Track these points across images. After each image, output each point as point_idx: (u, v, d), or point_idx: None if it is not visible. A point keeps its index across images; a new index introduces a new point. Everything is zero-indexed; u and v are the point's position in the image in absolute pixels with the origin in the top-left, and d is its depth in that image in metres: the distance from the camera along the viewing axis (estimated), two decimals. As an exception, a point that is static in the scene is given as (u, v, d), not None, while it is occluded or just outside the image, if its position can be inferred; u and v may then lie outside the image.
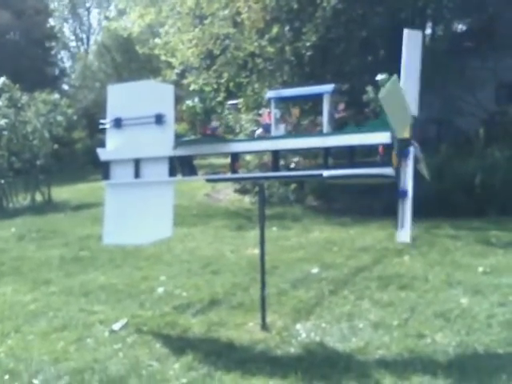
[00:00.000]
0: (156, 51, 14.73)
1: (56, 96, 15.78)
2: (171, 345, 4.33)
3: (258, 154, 8.56)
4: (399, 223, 4.25)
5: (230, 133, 12.38)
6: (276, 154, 4.48)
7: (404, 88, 4.00)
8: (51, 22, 34.67)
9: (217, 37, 13.39)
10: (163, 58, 14.57)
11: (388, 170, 4.06)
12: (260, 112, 5.60)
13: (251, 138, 7.17)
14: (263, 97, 10.42)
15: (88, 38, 41.22)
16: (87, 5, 41.23)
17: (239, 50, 13.15)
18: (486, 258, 6.49)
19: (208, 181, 5.24)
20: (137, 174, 4.74)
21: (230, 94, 13.88)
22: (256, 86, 13.10)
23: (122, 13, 19.74)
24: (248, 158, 10.75)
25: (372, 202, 9.68)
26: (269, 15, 12.62)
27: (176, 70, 14.77)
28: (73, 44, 41.76)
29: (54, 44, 34.45)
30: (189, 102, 4.72)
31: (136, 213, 4.72)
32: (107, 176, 4.87)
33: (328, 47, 12.22)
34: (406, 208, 4.24)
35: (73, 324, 4.91)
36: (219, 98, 12.73)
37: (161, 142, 4.61)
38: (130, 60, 29.79)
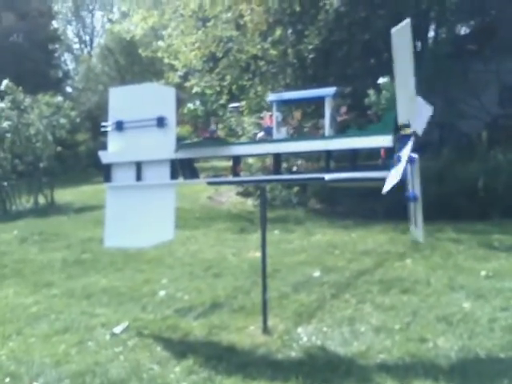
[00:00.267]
0: (159, 54, 14.75)
1: (59, 98, 15.79)
2: (172, 348, 4.33)
3: (260, 156, 8.57)
4: (412, 225, 4.50)
5: (233, 136, 12.37)
6: (278, 157, 4.47)
7: (398, 86, 3.95)
8: (55, 24, 34.76)
9: (220, 39, 13.40)
10: (166, 60, 14.59)
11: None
12: (262, 115, 5.61)
13: (253, 140, 7.17)
14: (266, 100, 10.44)
15: (91, 41, 41.41)
16: (90, 7, 41.37)
17: (242, 53, 13.16)
18: (488, 261, 6.46)
19: (209, 184, 5.23)
20: (138, 177, 4.74)
21: (233, 97, 13.88)
22: (259, 88, 13.11)
23: (125, 15, 19.77)
24: (251, 160, 10.75)
25: (374, 206, 9.65)
26: (271, 18, 12.63)
27: (179, 73, 14.80)
28: (76, 46, 41.95)
29: (57, 46, 34.48)
30: (190, 105, 4.72)
31: (137, 216, 4.72)
32: (109, 179, 4.87)
33: (331, 50, 12.21)
34: (418, 211, 4.40)
35: (74, 327, 4.92)
36: (222, 101, 12.73)
37: (162, 145, 4.62)
38: (133, 63, 29.84)
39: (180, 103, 4.88)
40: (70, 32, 41.36)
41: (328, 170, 4.30)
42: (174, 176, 4.66)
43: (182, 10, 13.72)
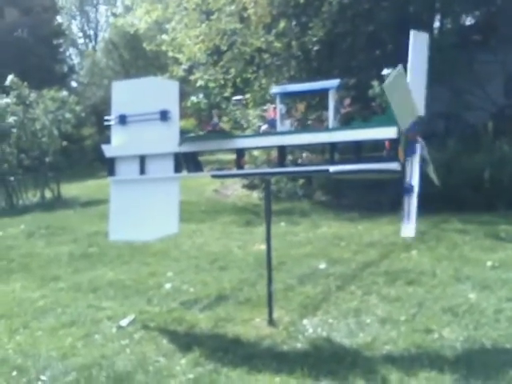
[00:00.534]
0: (163, 47, 14.72)
1: (64, 93, 15.82)
2: (178, 341, 4.35)
3: (265, 149, 8.55)
4: (405, 218, 4.24)
5: (238, 128, 12.36)
6: (282, 150, 4.47)
7: (411, 89, 3.98)
8: (59, 19, 34.64)
9: (223, 32, 13.34)
10: (170, 54, 14.54)
11: (394, 165, 4.05)
12: (265, 108, 5.60)
13: (256, 133, 7.16)
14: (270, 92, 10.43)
15: (96, 35, 41.28)
16: (94, 1, 41.28)
17: (246, 46, 13.10)
18: (494, 252, 6.44)
19: (214, 177, 5.24)
20: (142, 171, 4.75)
21: (237, 90, 13.85)
22: (263, 81, 13.06)
23: (128, 9, 19.73)
24: (256, 153, 10.74)
25: (379, 197, 9.64)
26: (275, 10, 12.56)
27: (183, 67, 14.75)
28: (81, 41, 41.85)
29: (61, 41, 34.43)
30: (193, 98, 4.71)
31: (141, 209, 4.73)
32: (112, 172, 4.89)
33: (335, 42, 12.16)
34: (412, 203, 4.22)
35: (81, 320, 4.94)
36: (226, 94, 12.71)
37: (166, 139, 4.62)
38: (138, 57, 29.74)
39: (184, 97, 4.88)
40: (75, 27, 41.23)
41: (332, 162, 4.29)
42: (177, 169, 4.66)
43: (186, 3, 13.66)
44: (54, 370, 3.92)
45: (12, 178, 14.17)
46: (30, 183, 14.66)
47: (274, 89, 4.67)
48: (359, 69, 11.28)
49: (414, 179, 4.25)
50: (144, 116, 4.69)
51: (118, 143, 4.86)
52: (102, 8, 44.49)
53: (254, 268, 6.29)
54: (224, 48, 13.59)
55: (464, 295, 4.98)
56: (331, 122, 4.29)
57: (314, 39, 11.78)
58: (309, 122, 4.84)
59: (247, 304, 5.15)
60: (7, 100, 14.13)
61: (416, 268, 5.95)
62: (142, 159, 4.75)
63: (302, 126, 4.72)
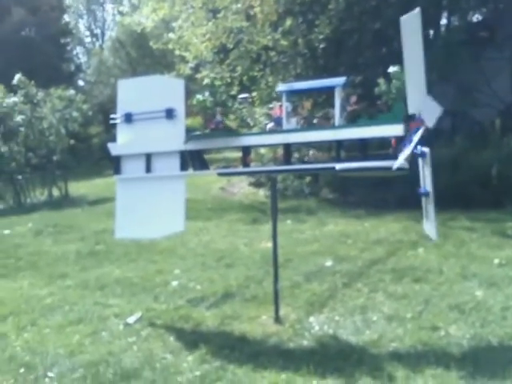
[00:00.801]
0: (170, 46, 14.73)
1: (71, 92, 15.91)
2: (185, 338, 4.37)
3: (271, 147, 8.56)
4: (426, 218, 4.53)
5: (245, 127, 12.37)
6: (288, 147, 4.48)
7: (409, 77, 3.94)
8: (66, 18, 34.77)
9: (230, 30, 13.34)
10: (177, 52, 14.55)
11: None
12: (271, 106, 5.60)
13: (262, 131, 7.16)
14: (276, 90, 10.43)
15: (103, 34, 41.38)
16: (101, 0, 41.36)
17: (252, 44, 13.10)
18: (502, 249, 6.42)
19: (220, 175, 5.25)
20: (148, 169, 4.77)
21: (244, 88, 13.85)
22: (270, 79, 13.05)
23: (135, 8, 19.76)
24: (262, 151, 10.75)
25: (386, 195, 9.63)
26: (282, 8, 12.56)
27: (190, 65, 14.77)
28: (88, 40, 41.97)
29: (69, 40, 34.53)
30: (199, 96, 4.73)
31: (147, 207, 4.75)
32: (118, 171, 4.90)
33: (341, 39, 12.14)
34: (430, 206, 4.40)
35: (88, 317, 4.96)
36: (232, 92, 12.71)
37: (172, 137, 4.63)
38: (145, 55, 29.80)
39: (191, 95, 4.89)
40: (82, 25, 41.38)
41: (339, 160, 4.30)
42: (183, 167, 4.67)
43: (192, 1, 13.68)
44: (62, 367, 3.95)
45: (20, 177, 14.25)
46: (37, 182, 14.74)
47: (281, 87, 4.68)
48: (365, 66, 11.27)
49: (428, 183, 4.31)
50: (150, 114, 4.70)
51: (124, 141, 4.88)
52: (109, 7, 44.58)
53: (261, 265, 6.29)
54: (230, 46, 13.59)
55: (471, 293, 4.97)
56: (337, 120, 4.30)
57: (321, 37, 11.77)
58: (315, 120, 4.83)
59: (253, 301, 5.16)
60: (15, 99, 14.21)
61: (423, 265, 5.94)
62: (148, 157, 4.76)
63: (308, 124, 4.72)
